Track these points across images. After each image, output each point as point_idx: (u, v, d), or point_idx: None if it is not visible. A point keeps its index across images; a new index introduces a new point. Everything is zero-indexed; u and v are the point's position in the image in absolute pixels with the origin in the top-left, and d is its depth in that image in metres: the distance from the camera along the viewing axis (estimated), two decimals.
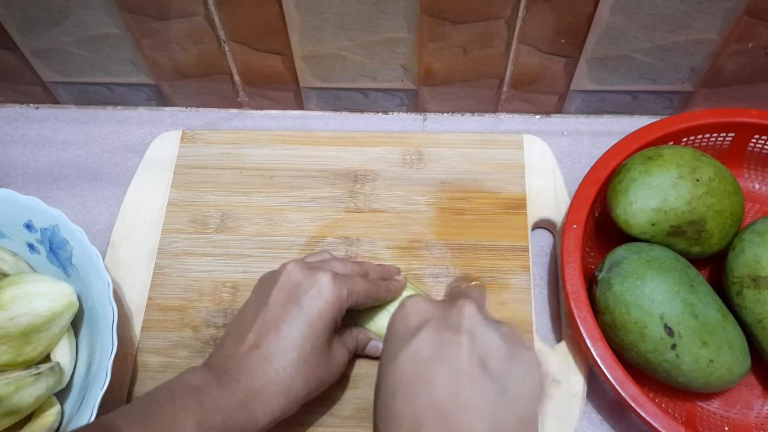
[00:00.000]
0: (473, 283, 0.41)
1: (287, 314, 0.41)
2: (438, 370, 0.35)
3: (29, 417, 0.45)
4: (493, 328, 0.36)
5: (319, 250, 0.50)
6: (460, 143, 0.59)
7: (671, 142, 0.52)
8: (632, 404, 0.42)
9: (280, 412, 0.39)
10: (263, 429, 0.39)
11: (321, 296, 0.41)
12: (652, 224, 0.47)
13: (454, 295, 0.40)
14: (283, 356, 0.40)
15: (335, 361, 0.43)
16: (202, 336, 0.51)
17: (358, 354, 0.48)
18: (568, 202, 0.52)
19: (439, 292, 0.51)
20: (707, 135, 0.53)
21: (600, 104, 0.60)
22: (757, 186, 0.55)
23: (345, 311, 0.43)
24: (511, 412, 0.34)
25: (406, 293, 0.48)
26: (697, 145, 0.53)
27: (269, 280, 0.43)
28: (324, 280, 0.41)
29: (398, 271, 0.49)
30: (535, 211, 0.55)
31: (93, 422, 0.36)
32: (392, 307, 0.47)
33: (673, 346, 0.43)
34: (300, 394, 0.40)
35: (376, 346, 0.47)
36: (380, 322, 0.47)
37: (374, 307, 0.48)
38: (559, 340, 0.50)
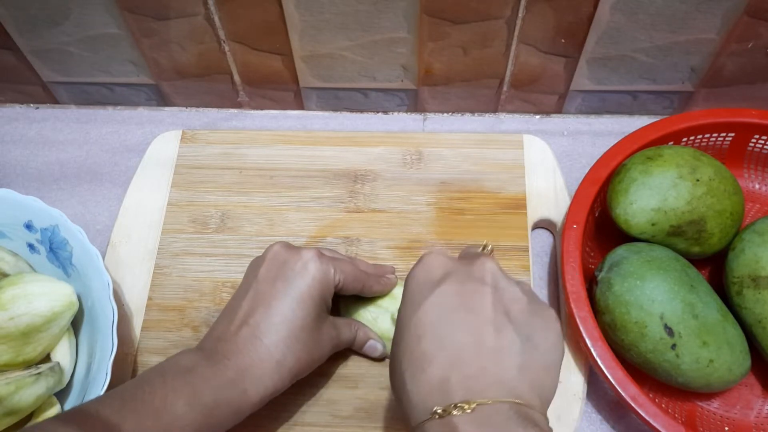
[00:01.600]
0: (489, 247, 0.41)
1: (276, 291, 0.41)
2: (464, 317, 0.35)
3: (29, 417, 0.45)
4: (513, 283, 0.37)
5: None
6: (460, 143, 0.59)
7: (671, 142, 0.52)
8: (632, 404, 0.42)
9: (272, 388, 0.40)
10: (255, 405, 0.40)
11: (308, 272, 0.42)
12: (652, 224, 0.47)
13: (472, 256, 0.40)
14: (274, 332, 0.40)
15: (326, 337, 0.43)
16: (202, 336, 0.50)
17: (356, 352, 0.48)
18: (568, 202, 0.52)
19: None
20: (707, 135, 0.53)
21: (600, 104, 0.60)
22: (757, 186, 0.55)
23: (334, 291, 0.43)
24: (536, 359, 0.34)
25: (398, 290, 0.48)
26: (697, 145, 0.53)
27: (257, 262, 0.44)
28: (309, 256, 0.42)
29: (393, 270, 0.49)
30: (535, 211, 0.55)
31: (76, 409, 0.37)
32: (394, 309, 0.47)
33: (673, 346, 0.43)
34: (292, 370, 0.41)
35: (374, 346, 0.47)
36: (382, 325, 0.48)
37: (376, 308, 0.48)
38: None
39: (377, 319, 0.48)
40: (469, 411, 0.31)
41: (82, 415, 0.36)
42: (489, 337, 0.34)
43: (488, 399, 0.32)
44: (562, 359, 0.36)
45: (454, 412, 0.31)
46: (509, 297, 0.36)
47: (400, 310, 0.38)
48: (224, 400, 0.38)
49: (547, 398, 0.35)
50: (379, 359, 0.48)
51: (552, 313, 0.37)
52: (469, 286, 0.36)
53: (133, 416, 0.36)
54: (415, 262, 0.39)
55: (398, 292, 0.48)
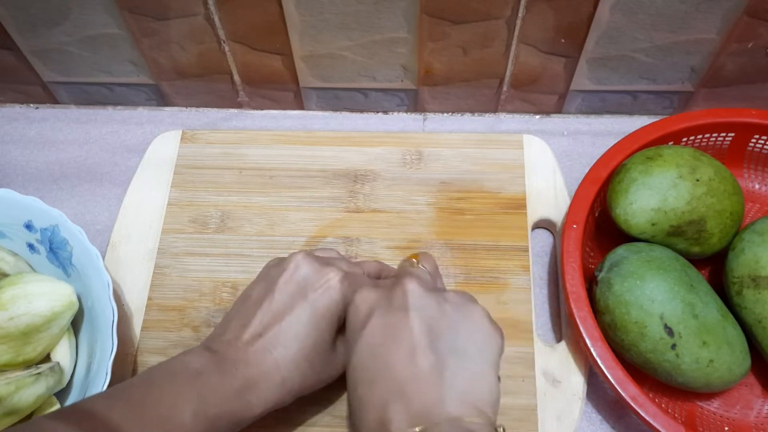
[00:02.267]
0: (413, 260, 0.42)
1: (293, 307, 0.41)
2: (391, 351, 0.36)
3: (29, 417, 0.45)
4: (436, 297, 0.38)
5: (326, 248, 0.50)
6: (460, 143, 0.59)
7: (671, 142, 0.52)
8: (632, 404, 0.42)
9: (274, 402, 0.40)
10: (255, 418, 0.39)
11: (328, 294, 0.41)
12: (652, 224, 0.47)
13: (398, 275, 0.41)
14: (284, 348, 0.40)
15: (337, 360, 0.43)
16: (202, 336, 0.51)
17: None
18: (568, 202, 0.52)
19: None
20: (707, 135, 0.53)
21: (600, 104, 0.60)
22: (757, 186, 0.55)
23: None
24: (465, 368, 0.35)
25: None
26: (697, 145, 0.53)
27: (277, 269, 0.43)
28: (334, 278, 0.41)
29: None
30: (535, 211, 0.55)
31: (75, 405, 0.36)
32: None
33: (673, 346, 0.43)
34: (294, 388, 0.40)
35: None
36: None
37: None
38: (559, 340, 0.50)
39: None
40: None
41: (84, 414, 0.35)
42: (414, 365, 0.35)
43: (421, 427, 0.33)
44: (499, 353, 0.37)
45: None
46: (432, 314, 0.36)
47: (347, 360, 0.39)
48: (228, 411, 0.38)
49: (486, 401, 0.35)
50: None
51: (478, 311, 0.37)
52: (391, 317, 0.37)
53: (139, 422, 0.35)
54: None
55: None
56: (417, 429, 0.33)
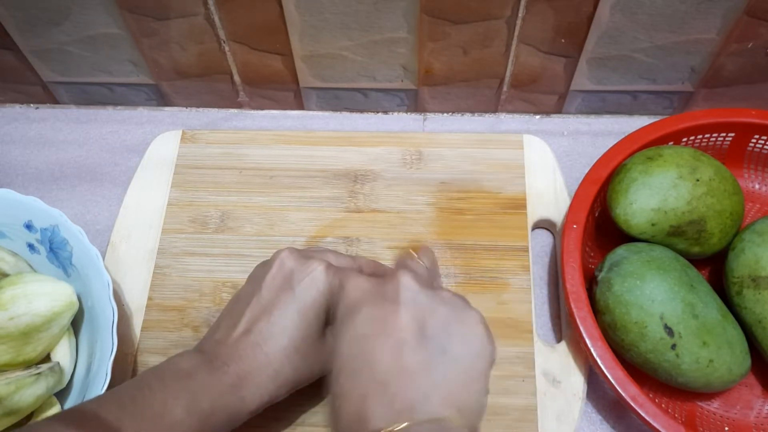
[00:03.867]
0: (413, 252, 0.42)
1: (279, 301, 0.41)
2: (378, 344, 0.35)
3: (29, 417, 0.45)
4: (431, 295, 0.37)
5: (316, 247, 0.50)
6: (460, 143, 0.58)
7: (671, 142, 0.52)
8: (632, 404, 0.42)
9: (269, 396, 0.40)
10: (252, 413, 0.40)
11: (314, 285, 0.41)
12: (652, 224, 0.47)
13: (391, 272, 0.40)
14: (274, 341, 0.40)
15: (327, 350, 0.43)
16: (202, 336, 0.50)
17: None
18: (568, 202, 0.52)
19: None
20: (707, 135, 0.53)
21: (600, 104, 0.60)
22: (757, 186, 0.55)
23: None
24: (454, 372, 0.34)
25: None
26: (697, 145, 0.53)
27: (262, 268, 0.44)
28: (318, 269, 0.42)
29: None
30: (535, 211, 0.55)
31: (75, 408, 0.36)
32: None
33: (673, 346, 0.43)
34: (288, 380, 0.40)
35: None
36: None
37: None
38: (559, 340, 0.50)
39: None
40: None
41: (80, 415, 0.35)
42: (402, 359, 0.34)
43: (401, 424, 0.32)
44: (490, 363, 0.36)
45: None
46: (424, 311, 0.36)
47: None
48: (222, 407, 0.38)
49: (471, 408, 0.35)
50: None
51: (475, 318, 0.36)
52: (382, 309, 0.36)
53: (132, 420, 0.36)
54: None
55: None
56: (397, 426, 0.32)
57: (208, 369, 0.39)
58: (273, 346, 0.40)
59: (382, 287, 0.38)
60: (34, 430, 0.35)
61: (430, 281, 0.41)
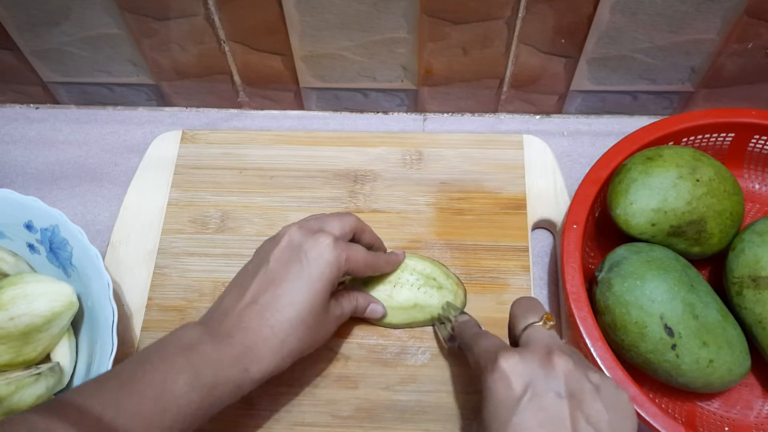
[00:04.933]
0: (549, 322, 0.40)
1: (287, 273, 0.41)
2: None
3: None
4: (588, 381, 0.36)
5: (318, 215, 0.49)
6: (460, 143, 0.58)
7: (671, 142, 0.52)
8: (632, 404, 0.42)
9: (273, 367, 0.40)
10: (255, 383, 0.40)
11: (322, 257, 0.42)
12: (652, 224, 0.47)
13: (540, 342, 0.38)
14: (280, 313, 0.40)
15: (330, 321, 0.44)
16: None
17: (357, 351, 0.48)
18: (568, 202, 0.52)
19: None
20: (707, 135, 0.53)
21: (600, 104, 0.60)
22: (757, 186, 0.55)
23: (343, 276, 0.44)
24: None
25: (413, 263, 0.50)
26: (697, 145, 0.53)
27: (270, 242, 0.44)
28: (326, 242, 0.42)
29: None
30: (535, 211, 0.55)
31: (61, 398, 0.36)
32: (393, 278, 0.49)
33: (673, 347, 0.43)
34: (293, 352, 0.41)
35: (375, 309, 0.48)
36: (398, 297, 0.49)
37: (387, 285, 0.49)
38: None
39: (392, 295, 0.49)
40: None
41: (64, 404, 0.35)
42: None
43: None
44: None
45: None
46: (587, 403, 0.35)
47: (483, 419, 0.37)
48: (225, 379, 0.38)
49: None
50: (381, 320, 0.49)
51: (625, 399, 0.36)
52: (548, 401, 0.35)
53: (130, 399, 0.35)
54: (490, 368, 0.37)
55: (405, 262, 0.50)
56: None
57: (212, 340, 0.39)
58: (279, 318, 0.40)
59: (542, 371, 0.36)
60: (11, 422, 0.34)
61: (581, 359, 0.39)
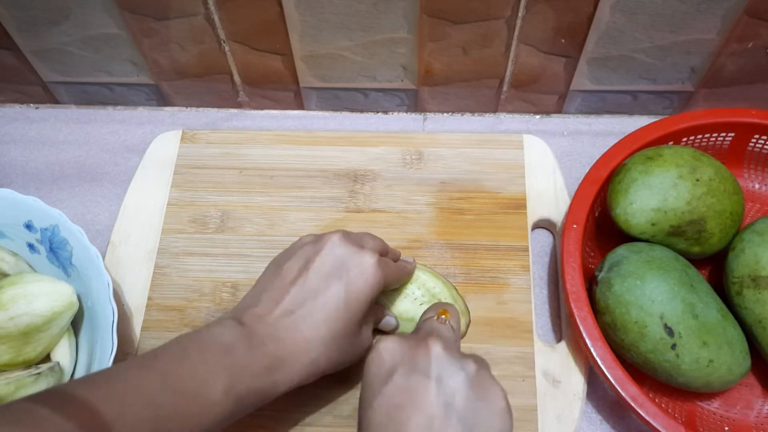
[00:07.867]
0: (442, 316, 0.41)
1: (327, 288, 0.41)
2: (408, 416, 0.35)
3: None
4: (460, 367, 0.37)
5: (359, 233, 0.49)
6: (460, 143, 0.59)
7: (671, 142, 0.52)
8: (632, 404, 0.42)
9: (299, 381, 0.40)
10: (280, 394, 0.40)
11: (364, 277, 0.41)
12: (652, 224, 0.47)
13: (425, 330, 0.40)
14: (315, 329, 0.40)
15: (361, 343, 0.43)
16: None
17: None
18: (568, 202, 0.52)
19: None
20: (707, 135, 0.53)
21: (600, 104, 0.60)
22: (757, 186, 0.55)
23: None
24: None
25: (425, 278, 0.49)
26: (697, 145, 0.53)
27: (312, 247, 0.43)
28: (370, 262, 0.41)
29: (399, 254, 0.50)
30: (535, 211, 0.55)
31: (104, 373, 0.35)
32: (408, 290, 0.48)
33: (673, 346, 0.43)
34: (320, 369, 0.40)
35: (389, 322, 0.48)
36: (400, 306, 0.48)
37: (394, 292, 0.49)
38: (559, 340, 0.50)
39: (393, 302, 0.48)
40: None
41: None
42: None
43: None
44: None
45: None
46: (453, 386, 0.36)
47: (360, 397, 0.38)
48: (256, 389, 0.38)
49: None
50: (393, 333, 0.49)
51: (497, 391, 0.36)
52: (413, 380, 0.36)
53: (171, 395, 0.35)
54: (371, 350, 0.38)
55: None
56: None
57: (247, 345, 0.38)
58: (313, 333, 0.40)
59: (413, 353, 0.37)
60: (6, 410, 0.32)
61: (457, 345, 0.40)
